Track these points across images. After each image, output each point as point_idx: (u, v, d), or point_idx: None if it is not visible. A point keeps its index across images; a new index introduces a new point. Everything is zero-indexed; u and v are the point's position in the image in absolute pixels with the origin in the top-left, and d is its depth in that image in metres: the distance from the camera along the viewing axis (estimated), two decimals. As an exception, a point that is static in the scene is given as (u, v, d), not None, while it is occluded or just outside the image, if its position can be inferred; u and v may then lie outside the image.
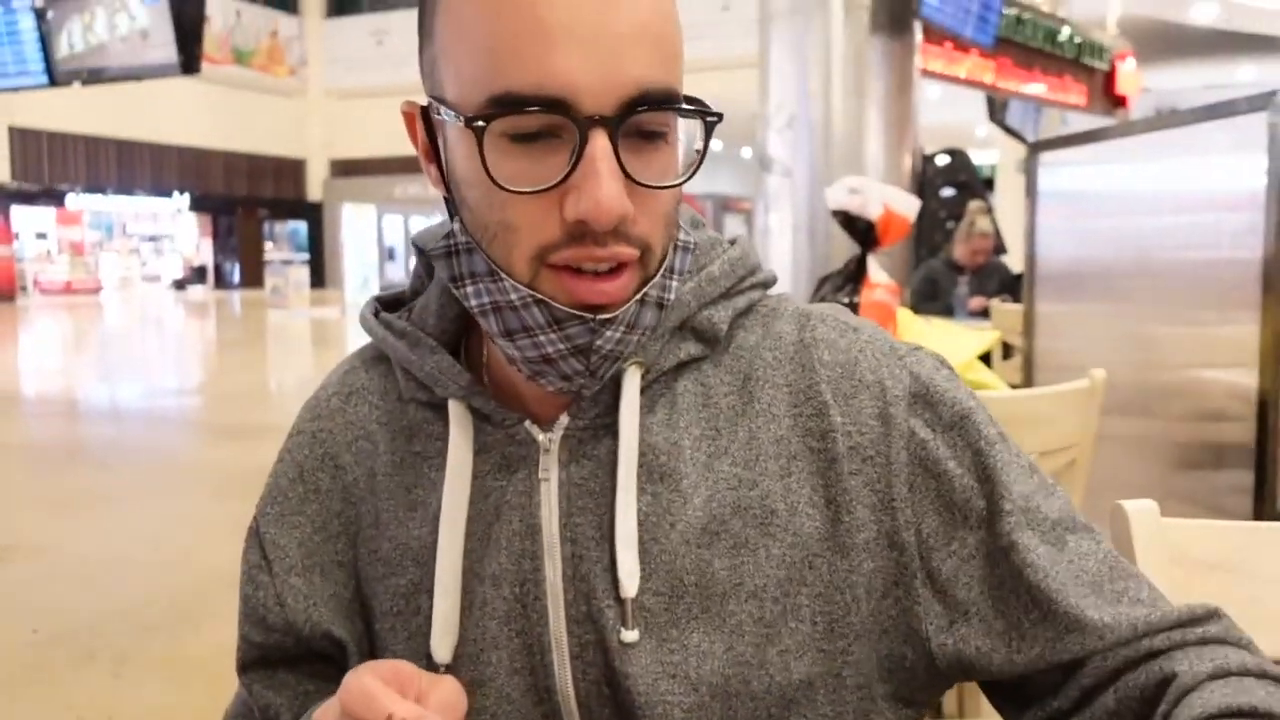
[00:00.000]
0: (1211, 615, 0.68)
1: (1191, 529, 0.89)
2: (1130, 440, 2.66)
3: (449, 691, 0.62)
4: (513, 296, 0.65)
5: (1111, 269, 2.69)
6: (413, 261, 0.81)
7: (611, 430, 0.71)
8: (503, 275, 0.65)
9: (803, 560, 0.70)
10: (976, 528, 0.70)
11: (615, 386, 0.71)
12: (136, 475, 5.90)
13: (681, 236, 0.70)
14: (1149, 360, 2.56)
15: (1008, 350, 4.04)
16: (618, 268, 0.64)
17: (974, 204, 5.26)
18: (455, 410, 0.73)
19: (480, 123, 0.61)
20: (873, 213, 2.33)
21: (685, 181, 0.65)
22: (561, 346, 0.65)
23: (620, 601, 0.68)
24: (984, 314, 4.60)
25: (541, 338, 0.65)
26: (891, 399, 0.71)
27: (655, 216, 0.64)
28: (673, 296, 0.69)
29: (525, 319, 0.65)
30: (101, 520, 4.85)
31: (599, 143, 0.60)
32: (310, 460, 0.78)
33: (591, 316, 0.63)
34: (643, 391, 0.72)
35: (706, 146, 0.65)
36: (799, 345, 0.74)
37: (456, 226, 0.68)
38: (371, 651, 0.76)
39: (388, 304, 0.81)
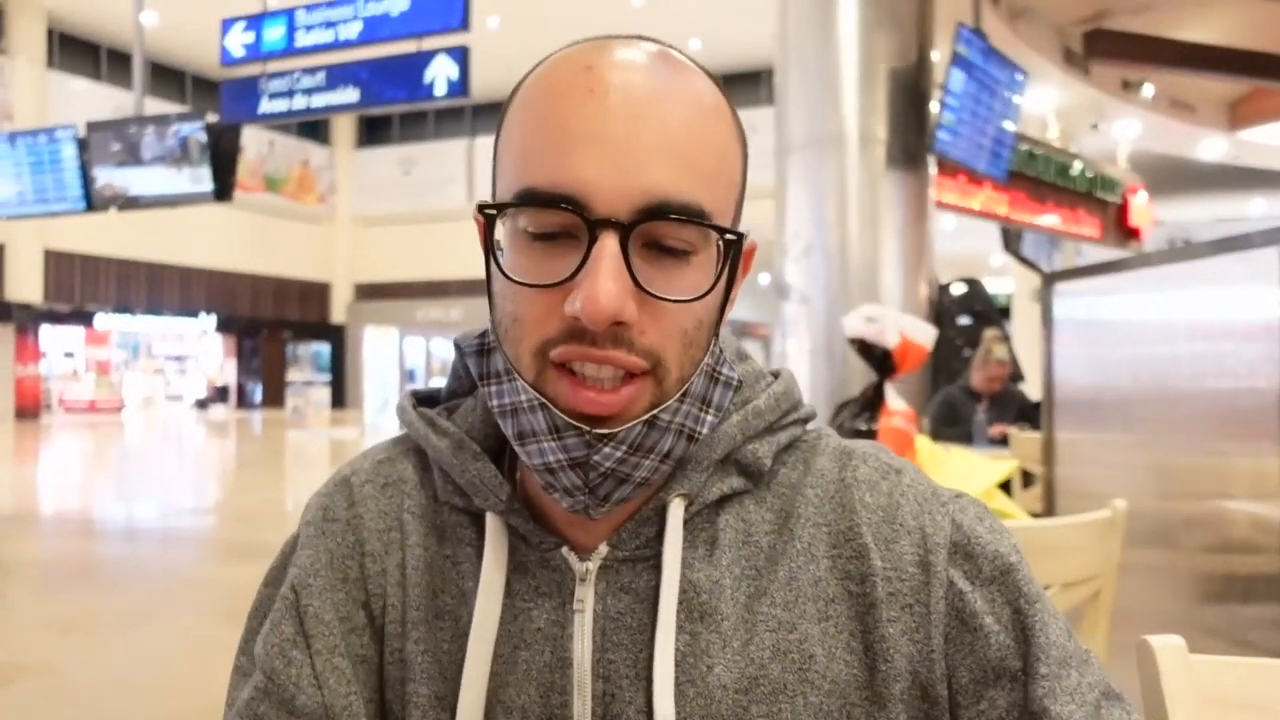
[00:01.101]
0: None
1: (1220, 666, 0.87)
2: (1154, 572, 2.61)
3: None
4: (522, 398, 0.65)
5: (1130, 397, 2.69)
6: (433, 381, 0.81)
7: (652, 563, 0.70)
8: (515, 374, 0.65)
9: (840, 709, 0.68)
10: (1009, 688, 0.68)
11: (657, 518, 0.70)
12: (149, 595, 5.84)
13: (725, 371, 0.70)
14: (1171, 490, 2.54)
15: (1028, 479, 4.01)
16: (624, 381, 0.63)
17: (989, 332, 5.29)
18: (492, 525, 0.71)
19: (491, 210, 0.64)
20: (890, 341, 2.36)
21: (699, 299, 0.64)
22: (561, 457, 0.64)
23: None
24: (1003, 441, 4.58)
25: (545, 444, 0.64)
26: (932, 546, 0.70)
27: (668, 331, 0.63)
28: (705, 430, 0.68)
29: (532, 423, 0.65)
30: (112, 641, 4.78)
31: (607, 244, 0.60)
32: (342, 548, 0.75)
33: (587, 429, 0.63)
34: (684, 525, 0.70)
35: (723, 267, 0.65)
36: (840, 485, 0.73)
37: (489, 325, 0.69)
38: None
39: (423, 400, 0.80)
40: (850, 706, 0.68)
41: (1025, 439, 4.05)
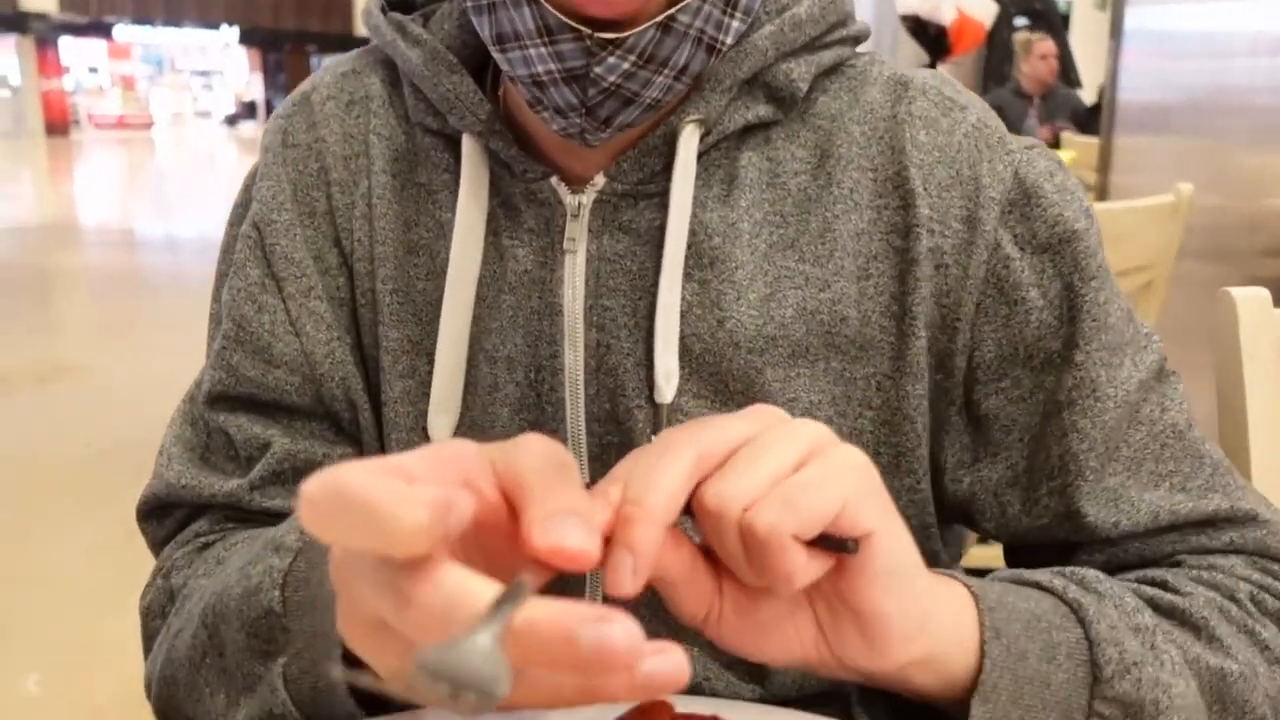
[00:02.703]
0: (1250, 518, 0.59)
1: (1305, 321, 0.79)
2: (1206, 284, 2.53)
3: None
4: None
5: (1199, 106, 2.57)
6: None
7: (657, 200, 0.60)
8: None
9: (865, 379, 0.60)
10: (1039, 370, 0.60)
11: (666, 147, 0.59)
12: (188, 302, 5.92)
13: None
14: (1231, 191, 2.42)
15: (1078, 186, 3.88)
16: None
17: (1019, 35, 5.03)
18: (470, 149, 0.61)
19: None
20: (945, 17, 2.15)
21: None
22: (553, 67, 0.53)
23: (654, 405, 0.59)
24: (1054, 145, 4.41)
25: (531, 50, 0.53)
26: (985, 200, 0.59)
27: None
28: (729, 39, 0.56)
29: (515, 22, 0.53)
30: (152, 343, 4.91)
31: None
32: (305, 177, 0.66)
33: (588, 32, 0.51)
34: (698, 159, 0.60)
35: None
36: (891, 121, 0.61)
37: None
38: (377, 419, 0.66)
39: (395, 5, 0.68)
40: (881, 377, 0.60)
41: (1079, 143, 3.87)
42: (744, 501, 0.39)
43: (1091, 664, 0.49)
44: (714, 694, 0.61)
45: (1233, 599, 0.57)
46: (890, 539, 0.42)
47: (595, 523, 0.36)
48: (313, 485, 0.33)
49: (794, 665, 0.46)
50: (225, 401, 0.67)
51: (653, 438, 0.56)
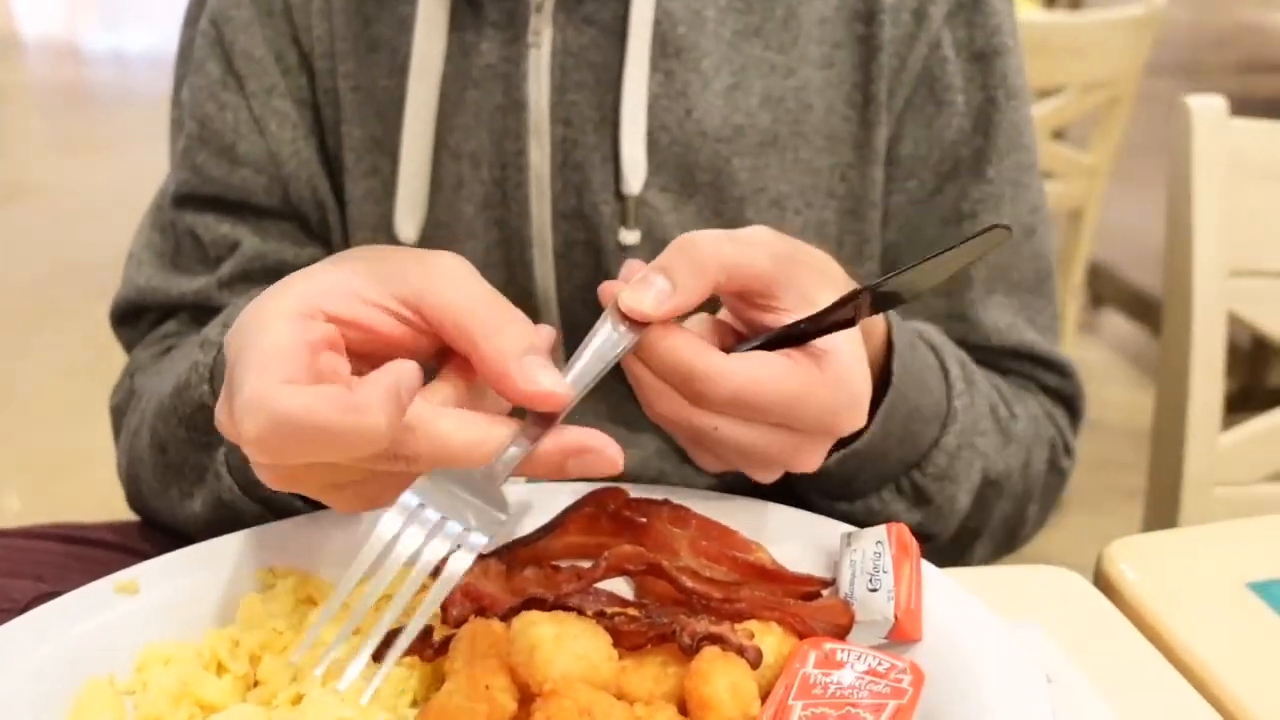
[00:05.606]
0: (1064, 369, 0.66)
1: (1259, 132, 0.80)
2: (1177, 96, 2.51)
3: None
4: None
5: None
6: None
7: None
8: None
9: (831, 168, 0.61)
10: (946, 176, 0.62)
11: None
12: (141, 119, 5.74)
13: None
14: (1203, 5, 2.37)
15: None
16: None
17: None
18: None
19: None
20: None
21: None
22: None
23: (620, 198, 0.60)
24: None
25: None
26: None
27: None
28: None
29: None
30: (107, 162, 4.79)
31: None
32: None
33: None
34: None
35: None
36: None
37: None
38: (343, 220, 0.66)
39: None
40: (845, 167, 0.62)
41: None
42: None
43: (922, 457, 0.57)
44: (669, 485, 0.65)
45: (1034, 422, 0.64)
46: None
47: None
48: (255, 424, 0.33)
49: None
50: (192, 202, 0.67)
51: (620, 231, 0.58)
